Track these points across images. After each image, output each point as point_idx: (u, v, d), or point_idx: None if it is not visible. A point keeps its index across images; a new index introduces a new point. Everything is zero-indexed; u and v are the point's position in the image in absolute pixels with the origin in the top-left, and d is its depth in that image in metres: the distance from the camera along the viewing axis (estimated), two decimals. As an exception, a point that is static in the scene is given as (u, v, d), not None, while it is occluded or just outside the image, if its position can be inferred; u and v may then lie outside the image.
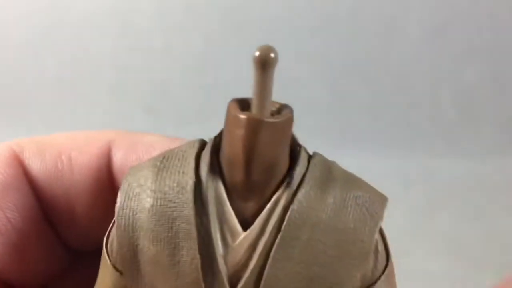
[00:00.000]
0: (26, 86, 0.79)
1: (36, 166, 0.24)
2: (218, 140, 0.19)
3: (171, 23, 0.77)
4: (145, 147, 0.25)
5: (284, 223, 0.18)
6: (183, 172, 0.19)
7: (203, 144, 0.20)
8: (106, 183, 0.25)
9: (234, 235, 0.18)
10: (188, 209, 0.18)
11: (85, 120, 0.78)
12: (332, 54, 0.77)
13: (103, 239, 0.21)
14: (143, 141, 0.25)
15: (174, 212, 0.18)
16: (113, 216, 0.20)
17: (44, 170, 0.24)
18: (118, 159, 0.25)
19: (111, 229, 0.20)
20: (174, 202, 0.18)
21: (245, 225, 0.18)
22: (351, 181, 0.19)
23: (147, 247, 0.18)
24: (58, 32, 0.77)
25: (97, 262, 0.23)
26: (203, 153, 0.19)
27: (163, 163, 0.19)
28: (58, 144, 0.25)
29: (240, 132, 0.18)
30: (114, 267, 0.20)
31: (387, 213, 0.19)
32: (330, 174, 0.19)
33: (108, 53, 0.77)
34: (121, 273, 0.19)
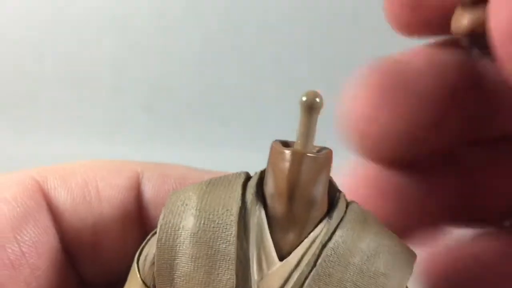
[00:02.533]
0: (26, 86, 0.79)
1: (61, 197, 0.24)
2: (263, 174, 0.21)
3: (171, 23, 0.77)
4: (177, 179, 0.25)
5: (320, 259, 0.19)
6: (229, 197, 0.20)
7: (248, 176, 0.21)
8: (135, 216, 0.25)
9: (270, 263, 0.19)
10: (230, 231, 0.19)
11: (85, 120, 0.78)
12: (332, 54, 0.77)
13: (123, 271, 0.22)
14: (174, 173, 0.25)
15: (216, 232, 0.19)
16: (138, 246, 0.21)
17: (71, 201, 0.24)
18: (149, 191, 0.25)
19: (144, 245, 0.21)
20: (218, 223, 0.19)
21: (282, 256, 0.19)
22: (384, 232, 0.20)
23: (184, 262, 0.19)
24: (58, 32, 0.77)
25: None
26: (249, 183, 0.20)
27: (209, 187, 0.20)
28: (83, 173, 0.24)
29: (284, 166, 0.19)
30: (144, 282, 0.21)
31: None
32: (365, 221, 0.20)
33: (108, 53, 0.77)
34: None
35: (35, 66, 0.78)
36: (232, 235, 0.19)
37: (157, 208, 0.24)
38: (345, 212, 0.20)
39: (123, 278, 0.23)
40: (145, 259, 0.21)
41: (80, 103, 0.78)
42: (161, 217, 0.20)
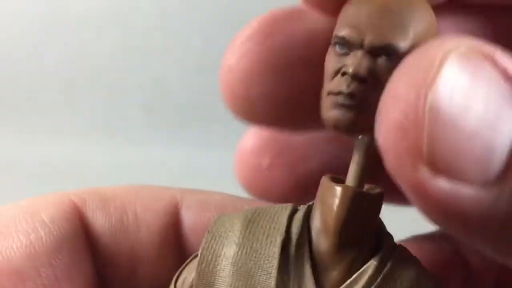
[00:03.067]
0: (26, 86, 0.79)
1: (99, 220, 0.23)
2: (310, 208, 0.20)
3: (171, 23, 0.77)
4: (217, 206, 0.24)
5: None
6: (274, 228, 0.19)
7: (295, 209, 0.20)
8: (172, 243, 0.24)
9: None
10: (272, 263, 0.19)
11: (85, 120, 0.78)
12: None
13: None
14: (213, 199, 0.25)
15: (258, 263, 0.19)
16: (174, 273, 0.21)
17: (109, 225, 0.23)
18: (188, 218, 0.25)
19: (183, 269, 0.21)
20: (260, 254, 0.19)
21: None
22: (430, 280, 0.19)
23: None
24: (58, 32, 0.77)
25: None
26: (295, 216, 0.20)
27: (254, 216, 0.20)
28: (122, 198, 0.24)
29: (333, 202, 0.19)
30: None
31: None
32: (412, 269, 0.19)
33: (108, 53, 0.77)
34: None
35: (35, 66, 0.78)
36: (274, 267, 0.19)
37: (197, 235, 0.24)
38: (392, 255, 0.19)
39: None
40: (182, 283, 0.21)
41: (79, 103, 0.78)
42: (203, 241, 0.20)
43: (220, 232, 0.20)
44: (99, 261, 0.24)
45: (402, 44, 0.17)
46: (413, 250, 0.20)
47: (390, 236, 0.20)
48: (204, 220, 0.24)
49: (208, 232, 0.20)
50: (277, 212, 0.20)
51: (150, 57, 0.77)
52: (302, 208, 0.20)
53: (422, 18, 0.18)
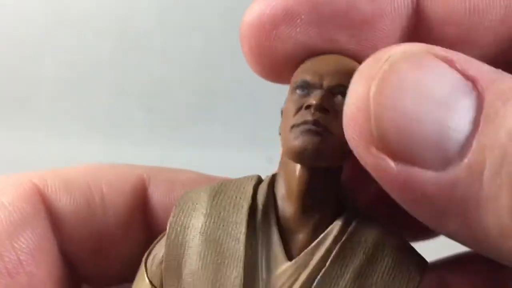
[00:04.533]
0: (26, 86, 0.79)
1: (63, 202, 0.23)
2: (275, 177, 0.21)
3: (171, 23, 0.77)
4: (185, 184, 0.25)
5: (329, 260, 0.19)
6: (240, 198, 0.21)
7: (260, 179, 0.22)
8: (140, 222, 0.25)
9: (278, 263, 0.20)
10: (239, 229, 0.20)
11: (85, 120, 0.78)
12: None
13: (127, 277, 0.22)
14: (181, 178, 0.25)
15: (226, 230, 0.20)
16: (143, 253, 0.21)
17: (74, 207, 0.23)
18: (157, 197, 0.25)
19: (153, 246, 0.21)
20: (228, 221, 0.20)
21: (291, 256, 0.20)
22: (395, 237, 0.20)
23: (193, 260, 0.20)
24: (58, 32, 0.77)
25: None
26: (261, 186, 0.21)
27: (221, 188, 0.21)
28: (86, 178, 0.24)
29: (296, 168, 0.20)
30: (151, 282, 0.21)
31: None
32: (376, 227, 0.20)
33: (108, 53, 0.77)
34: None
35: (35, 66, 0.78)
36: (242, 233, 0.20)
37: (165, 213, 0.24)
38: (356, 216, 0.20)
39: (126, 284, 0.23)
40: (153, 259, 0.21)
41: (80, 103, 0.78)
42: (171, 215, 0.21)
43: (187, 205, 0.21)
44: (65, 243, 0.23)
45: None
46: None
47: (354, 199, 0.21)
48: (172, 198, 0.24)
49: (176, 206, 0.21)
50: (243, 183, 0.21)
51: (150, 57, 0.77)
52: (266, 178, 0.21)
53: None
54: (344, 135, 0.19)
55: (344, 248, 0.20)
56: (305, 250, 0.20)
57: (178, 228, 0.20)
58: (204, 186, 0.21)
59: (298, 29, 0.21)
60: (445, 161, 0.17)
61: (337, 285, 0.19)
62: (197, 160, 0.72)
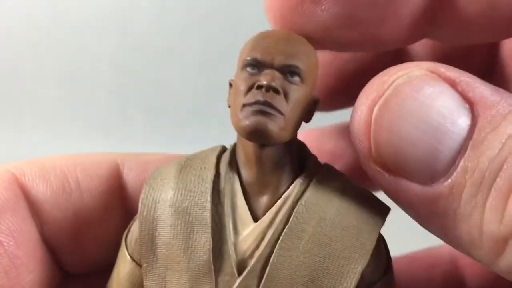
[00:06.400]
0: (26, 86, 0.79)
1: (40, 189, 0.24)
2: (235, 145, 0.22)
3: (171, 23, 0.77)
4: (158, 165, 0.25)
5: (292, 216, 0.20)
6: (204, 168, 0.22)
7: (224, 149, 0.23)
8: (116, 205, 0.25)
9: (245, 225, 0.21)
10: (205, 198, 0.21)
11: (84, 120, 0.78)
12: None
13: (106, 260, 0.23)
14: (153, 160, 0.26)
15: (193, 200, 0.21)
16: (121, 234, 0.22)
17: (50, 193, 0.24)
18: (131, 179, 0.26)
19: (132, 224, 0.22)
20: (193, 192, 0.21)
21: (257, 218, 0.21)
22: (357, 188, 0.22)
23: (165, 231, 0.21)
24: (58, 32, 0.77)
25: (92, 284, 0.25)
26: (224, 155, 0.22)
27: (187, 162, 0.22)
28: (62, 166, 0.25)
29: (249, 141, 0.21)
30: (131, 257, 0.22)
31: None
32: (337, 180, 0.22)
33: (108, 53, 0.77)
34: (136, 263, 0.22)
35: (35, 66, 0.78)
36: (208, 201, 0.21)
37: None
38: (317, 173, 0.21)
39: (106, 267, 0.23)
40: (131, 235, 0.22)
41: (79, 103, 0.78)
42: (142, 192, 0.22)
43: (157, 182, 0.22)
44: (44, 228, 0.24)
45: (302, 66, 0.21)
46: (407, 265, 0.21)
47: (314, 157, 0.22)
48: (146, 179, 0.25)
49: (146, 183, 0.22)
50: (208, 154, 0.22)
51: (150, 57, 0.77)
52: (229, 147, 0.22)
53: (312, 53, 0.22)
54: (293, 114, 0.20)
55: (306, 204, 0.21)
56: (269, 210, 0.21)
57: (149, 204, 0.21)
58: (171, 162, 0.22)
59: (323, 7, 0.21)
60: (431, 178, 0.19)
61: (301, 240, 0.20)
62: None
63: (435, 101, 0.18)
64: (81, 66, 0.78)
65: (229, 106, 0.21)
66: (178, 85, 0.77)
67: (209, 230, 0.20)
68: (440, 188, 0.19)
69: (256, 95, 0.20)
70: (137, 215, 0.22)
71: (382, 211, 0.21)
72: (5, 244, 0.23)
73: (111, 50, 0.77)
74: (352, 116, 0.20)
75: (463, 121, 0.18)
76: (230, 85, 0.22)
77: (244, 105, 0.20)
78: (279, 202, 0.21)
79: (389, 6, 0.22)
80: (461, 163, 0.18)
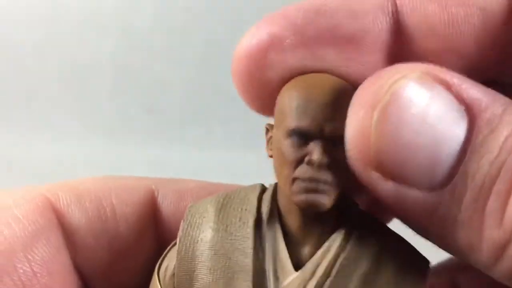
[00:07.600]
0: (26, 86, 0.79)
1: (75, 215, 0.23)
2: (277, 186, 0.21)
3: (171, 23, 0.77)
4: (193, 194, 0.25)
5: (334, 268, 0.20)
6: (245, 210, 0.21)
7: (264, 188, 0.22)
8: (151, 233, 0.25)
9: (286, 274, 0.20)
10: (247, 244, 0.20)
11: (85, 120, 0.78)
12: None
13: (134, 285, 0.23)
14: (189, 187, 0.26)
15: (234, 245, 0.20)
16: (155, 263, 0.22)
17: (86, 220, 0.24)
18: (166, 208, 0.25)
19: (164, 257, 0.22)
20: (235, 236, 0.20)
21: (298, 267, 0.20)
22: (396, 239, 0.21)
23: (204, 274, 0.20)
24: (58, 32, 0.77)
25: None
26: (264, 196, 0.21)
27: (226, 200, 0.21)
28: (97, 191, 0.24)
29: None
30: None
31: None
32: (377, 232, 0.21)
33: (108, 53, 0.77)
34: None
35: (35, 66, 0.78)
36: (249, 247, 0.20)
37: (175, 223, 0.24)
38: (358, 223, 0.21)
39: None
40: (165, 270, 0.22)
41: (80, 103, 0.78)
42: (180, 229, 0.21)
43: (195, 219, 0.21)
44: (78, 255, 0.24)
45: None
46: None
47: (355, 205, 0.22)
48: (181, 208, 0.25)
49: (184, 220, 0.21)
50: (247, 194, 0.21)
51: (151, 58, 0.77)
52: (270, 188, 0.22)
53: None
54: (340, 178, 0.20)
55: (348, 257, 0.20)
56: (311, 260, 0.20)
57: (188, 243, 0.21)
58: (210, 197, 0.22)
59: (286, 53, 0.21)
60: (432, 184, 0.18)
61: None
62: (197, 160, 0.72)
63: (433, 105, 0.18)
64: (81, 66, 0.78)
65: (270, 156, 0.21)
66: (178, 85, 0.77)
67: (250, 277, 0.20)
68: (441, 194, 0.18)
69: (307, 171, 0.20)
70: (171, 246, 0.22)
71: (422, 268, 0.21)
72: (38, 275, 0.22)
73: (111, 50, 0.77)
74: (347, 122, 0.19)
75: (461, 124, 0.18)
76: (267, 129, 0.21)
77: (295, 179, 0.20)
78: (320, 252, 0.20)
79: (349, 44, 0.21)
80: (462, 167, 0.18)
